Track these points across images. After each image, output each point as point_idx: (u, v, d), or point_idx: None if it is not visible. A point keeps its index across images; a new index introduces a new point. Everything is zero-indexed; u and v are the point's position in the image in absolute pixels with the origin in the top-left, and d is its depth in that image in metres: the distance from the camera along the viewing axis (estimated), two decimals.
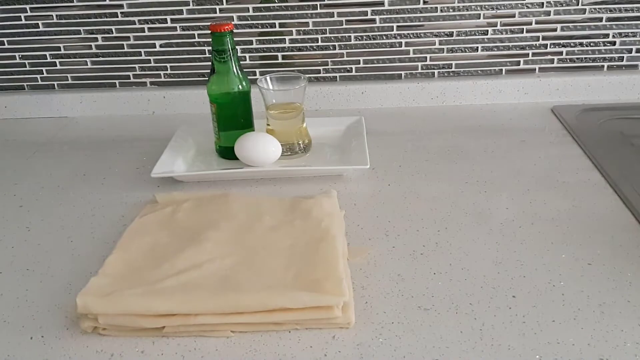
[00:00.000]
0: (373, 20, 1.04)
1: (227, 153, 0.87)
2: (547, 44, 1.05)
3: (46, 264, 0.67)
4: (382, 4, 1.02)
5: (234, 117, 0.86)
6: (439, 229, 0.69)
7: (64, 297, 0.61)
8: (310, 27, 1.05)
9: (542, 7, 1.02)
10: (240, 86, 0.84)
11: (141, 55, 1.08)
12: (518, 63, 1.06)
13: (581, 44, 1.05)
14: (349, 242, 0.67)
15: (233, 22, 1.04)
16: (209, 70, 1.08)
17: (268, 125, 0.88)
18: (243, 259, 0.61)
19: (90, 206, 0.78)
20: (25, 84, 1.12)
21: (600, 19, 1.03)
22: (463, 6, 1.02)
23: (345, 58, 1.07)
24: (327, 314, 0.54)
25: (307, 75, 1.01)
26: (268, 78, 0.86)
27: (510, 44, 1.05)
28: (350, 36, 1.05)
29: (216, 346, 0.53)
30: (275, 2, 1.02)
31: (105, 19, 1.05)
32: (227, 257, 0.61)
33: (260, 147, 0.82)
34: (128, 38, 1.07)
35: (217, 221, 0.68)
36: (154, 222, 0.69)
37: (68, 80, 1.11)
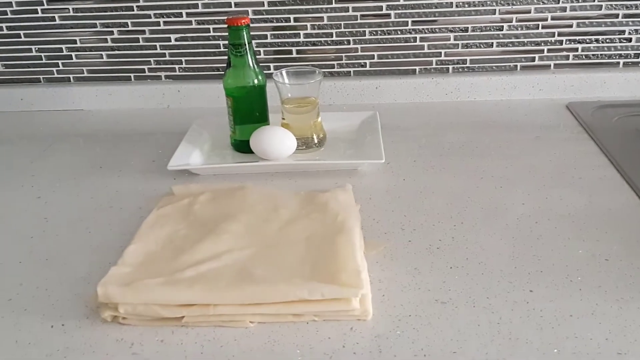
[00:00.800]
0: (388, 15, 1.04)
1: (242, 147, 0.87)
2: (562, 40, 1.04)
3: (65, 254, 0.67)
4: None
5: (249, 110, 0.86)
6: (455, 224, 0.69)
7: (83, 287, 0.61)
8: (325, 22, 1.05)
9: (558, 3, 1.01)
10: (256, 80, 0.84)
11: (156, 49, 1.09)
12: (533, 59, 1.06)
13: (597, 40, 1.04)
14: (364, 235, 0.67)
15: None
16: (223, 64, 1.09)
17: (283, 119, 0.88)
18: (260, 250, 0.61)
19: (107, 198, 0.79)
20: (41, 76, 1.13)
21: (617, 16, 1.02)
22: (478, 1, 1.02)
23: (359, 53, 1.07)
24: (345, 306, 0.54)
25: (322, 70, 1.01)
26: (284, 72, 0.86)
27: (526, 40, 1.05)
28: (364, 31, 1.05)
29: (235, 336, 0.54)
30: None
31: (121, 13, 1.06)
32: (244, 248, 0.61)
33: (276, 141, 0.82)
34: (143, 32, 1.07)
35: (234, 213, 0.68)
36: (172, 213, 0.70)
37: (84, 73, 1.12)
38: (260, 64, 0.85)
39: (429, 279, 0.60)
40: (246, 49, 0.82)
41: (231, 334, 0.54)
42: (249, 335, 0.54)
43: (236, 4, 1.04)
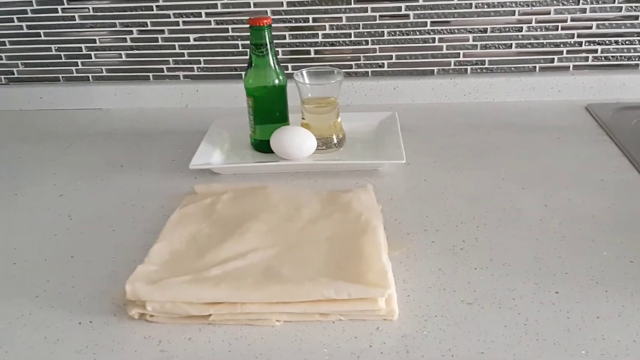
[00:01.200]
0: (407, 16, 1.04)
1: (262, 146, 0.88)
2: (582, 42, 1.04)
3: (89, 251, 0.68)
4: None
5: (270, 110, 0.87)
6: (478, 225, 0.69)
7: (109, 284, 0.62)
8: (344, 22, 1.05)
9: (578, 4, 1.01)
10: (277, 80, 0.85)
11: (175, 49, 1.09)
12: (552, 60, 1.06)
13: (616, 42, 1.04)
14: (387, 236, 0.67)
15: None
16: (242, 65, 1.09)
17: (303, 119, 0.88)
18: (285, 249, 0.62)
19: (129, 196, 0.80)
20: (60, 75, 1.14)
21: (636, 17, 1.02)
22: (498, 2, 1.02)
23: (377, 53, 1.07)
24: (372, 305, 0.54)
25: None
26: (304, 72, 0.86)
27: (545, 41, 1.04)
28: (383, 31, 1.05)
29: (262, 334, 0.54)
30: None
31: (141, 12, 1.07)
32: (269, 247, 0.62)
33: (297, 141, 0.83)
34: (163, 31, 1.08)
35: (257, 213, 0.68)
36: (195, 212, 0.70)
37: (102, 72, 1.12)
38: None
39: (454, 280, 0.60)
40: (268, 49, 0.83)
41: (258, 332, 0.54)
42: (276, 333, 0.54)
43: (255, 4, 1.04)
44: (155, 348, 0.53)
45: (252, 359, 0.51)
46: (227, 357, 0.52)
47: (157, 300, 0.55)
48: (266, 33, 0.82)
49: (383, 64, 1.08)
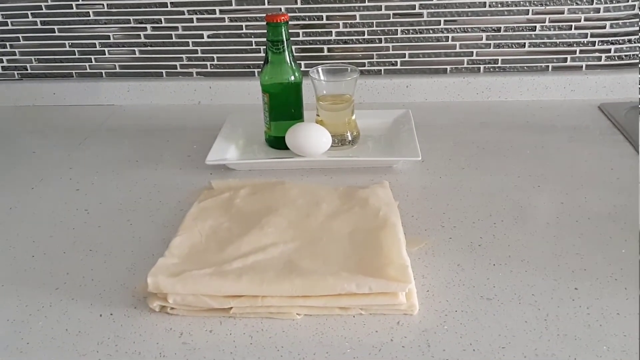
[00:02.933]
0: (420, 14, 1.04)
1: (276, 143, 0.88)
2: (595, 41, 1.04)
3: (108, 245, 0.68)
4: None
5: (285, 107, 0.87)
6: (495, 222, 0.69)
7: (128, 277, 0.62)
8: (357, 20, 1.05)
9: (592, 4, 1.01)
10: (293, 77, 0.85)
11: (189, 46, 1.09)
12: (565, 60, 1.06)
13: (629, 41, 1.04)
14: (404, 232, 0.67)
15: None
16: (255, 62, 1.10)
17: (317, 115, 0.89)
18: (305, 244, 0.62)
19: (146, 191, 0.80)
20: (73, 71, 1.14)
21: None
22: (511, 1, 1.02)
23: (390, 52, 1.07)
24: (392, 300, 0.54)
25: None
26: (320, 69, 0.87)
27: (558, 41, 1.04)
28: (396, 30, 1.05)
29: (283, 328, 0.54)
30: None
31: (155, 9, 1.07)
32: (289, 242, 0.62)
33: (312, 138, 0.83)
34: (177, 28, 1.08)
35: (276, 207, 0.69)
36: (214, 207, 0.70)
37: (116, 68, 1.13)
38: None
39: (473, 276, 0.60)
40: (284, 45, 0.83)
41: (279, 325, 0.54)
42: (297, 327, 0.54)
43: (269, 2, 1.04)
44: (177, 340, 0.53)
45: (274, 351, 0.52)
46: (249, 350, 0.52)
47: (179, 292, 0.55)
48: (283, 30, 0.82)
49: (396, 62, 1.08)
